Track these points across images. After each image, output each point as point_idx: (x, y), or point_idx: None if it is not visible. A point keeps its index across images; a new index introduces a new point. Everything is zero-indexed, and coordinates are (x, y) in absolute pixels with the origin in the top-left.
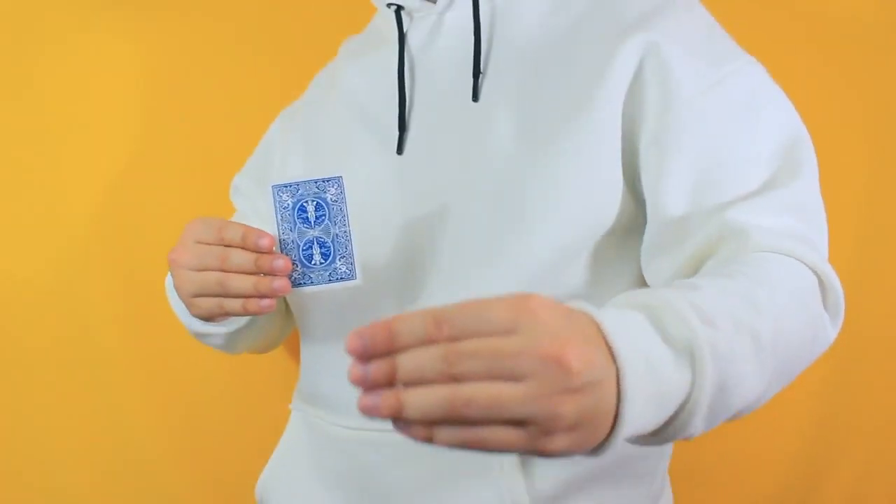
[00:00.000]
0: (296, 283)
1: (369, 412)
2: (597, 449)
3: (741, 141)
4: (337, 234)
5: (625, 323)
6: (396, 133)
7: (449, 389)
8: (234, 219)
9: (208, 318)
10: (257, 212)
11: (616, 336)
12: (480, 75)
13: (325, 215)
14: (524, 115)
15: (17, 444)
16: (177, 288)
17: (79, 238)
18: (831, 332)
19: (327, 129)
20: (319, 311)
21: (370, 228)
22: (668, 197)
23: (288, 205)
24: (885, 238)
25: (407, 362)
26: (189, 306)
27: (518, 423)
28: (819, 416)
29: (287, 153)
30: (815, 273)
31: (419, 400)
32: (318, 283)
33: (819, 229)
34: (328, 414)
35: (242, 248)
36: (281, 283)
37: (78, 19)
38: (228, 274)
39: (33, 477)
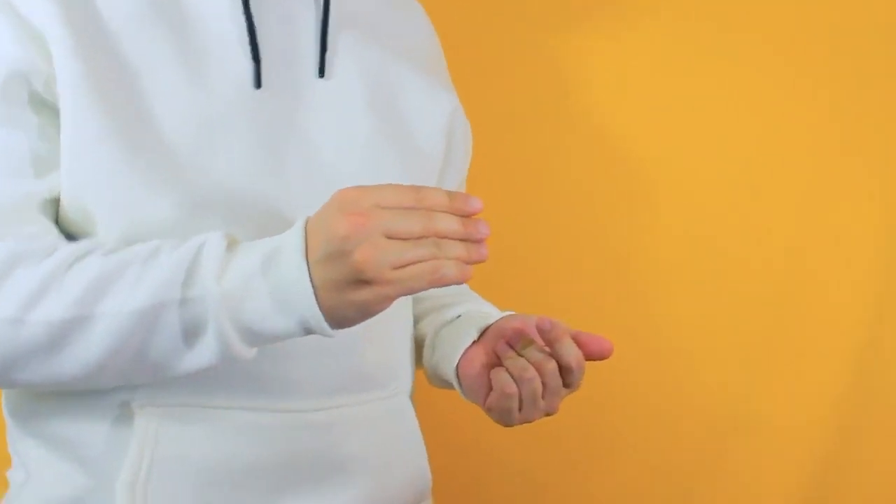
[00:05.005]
0: None
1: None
2: None
3: None
4: None
5: None
6: (250, 65)
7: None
8: (17, 142)
9: (380, 302)
10: (73, 120)
11: None
12: (327, 51)
13: None
14: (373, 97)
15: None
16: (360, 262)
17: None
18: None
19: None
20: None
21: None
22: None
23: None
24: None
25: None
26: (377, 281)
27: None
28: (837, 422)
29: (65, 78)
30: None
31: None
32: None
33: None
34: (267, 402)
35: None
36: (485, 249)
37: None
38: (443, 238)
39: None
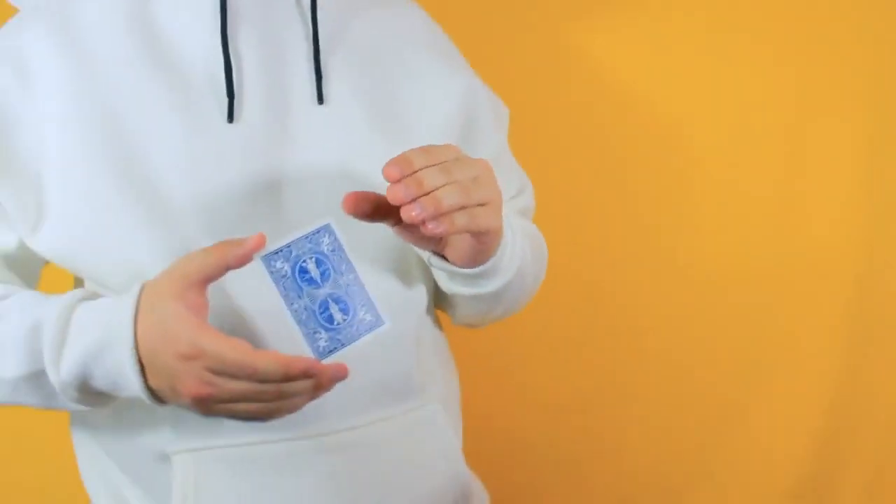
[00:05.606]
0: (327, 352)
1: (416, 216)
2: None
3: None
4: (348, 283)
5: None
6: (226, 100)
7: (458, 186)
8: None
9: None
10: (26, 219)
11: None
12: (322, 78)
13: (328, 269)
14: (372, 115)
15: None
16: (186, 396)
17: None
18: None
19: (121, 92)
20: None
21: (211, 198)
22: None
23: (286, 272)
24: (892, 235)
25: (427, 178)
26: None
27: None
28: (830, 413)
29: (55, 123)
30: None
31: (447, 195)
32: (350, 342)
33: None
34: (302, 429)
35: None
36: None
37: None
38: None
39: None
